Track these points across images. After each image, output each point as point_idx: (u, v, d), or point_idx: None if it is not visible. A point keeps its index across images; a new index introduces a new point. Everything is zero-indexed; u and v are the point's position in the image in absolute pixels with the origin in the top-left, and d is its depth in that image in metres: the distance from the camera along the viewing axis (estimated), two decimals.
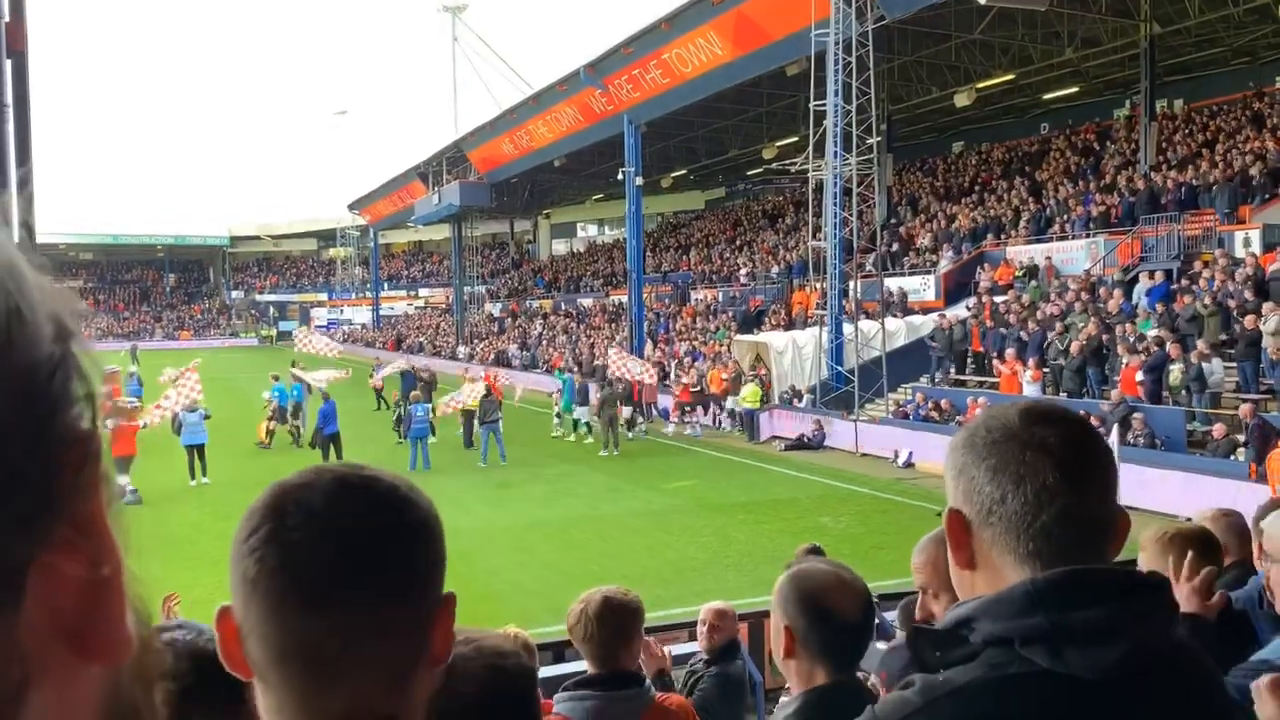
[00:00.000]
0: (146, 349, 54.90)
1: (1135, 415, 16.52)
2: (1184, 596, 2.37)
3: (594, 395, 24.67)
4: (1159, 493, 14.44)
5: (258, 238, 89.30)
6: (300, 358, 36.57)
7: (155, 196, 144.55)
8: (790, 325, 29.15)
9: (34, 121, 4.29)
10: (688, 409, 26.45)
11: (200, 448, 19.23)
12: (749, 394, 24.51)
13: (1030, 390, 19.84)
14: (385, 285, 78.71)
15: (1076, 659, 1.10)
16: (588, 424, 24.64)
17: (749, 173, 49.44)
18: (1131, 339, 18.67)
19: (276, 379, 25.06)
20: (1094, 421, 17.02)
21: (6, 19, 4.11)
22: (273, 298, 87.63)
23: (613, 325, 40.61)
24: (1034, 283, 23.93)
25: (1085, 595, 1.12)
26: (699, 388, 26.73)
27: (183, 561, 13.26)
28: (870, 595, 2.06)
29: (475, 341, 51.37)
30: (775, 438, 23.79)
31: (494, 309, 59.71)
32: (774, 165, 40.17)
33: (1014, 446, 1.16)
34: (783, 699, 2.15)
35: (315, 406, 22.53)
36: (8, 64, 4.15)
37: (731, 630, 4.76)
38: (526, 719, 1.70)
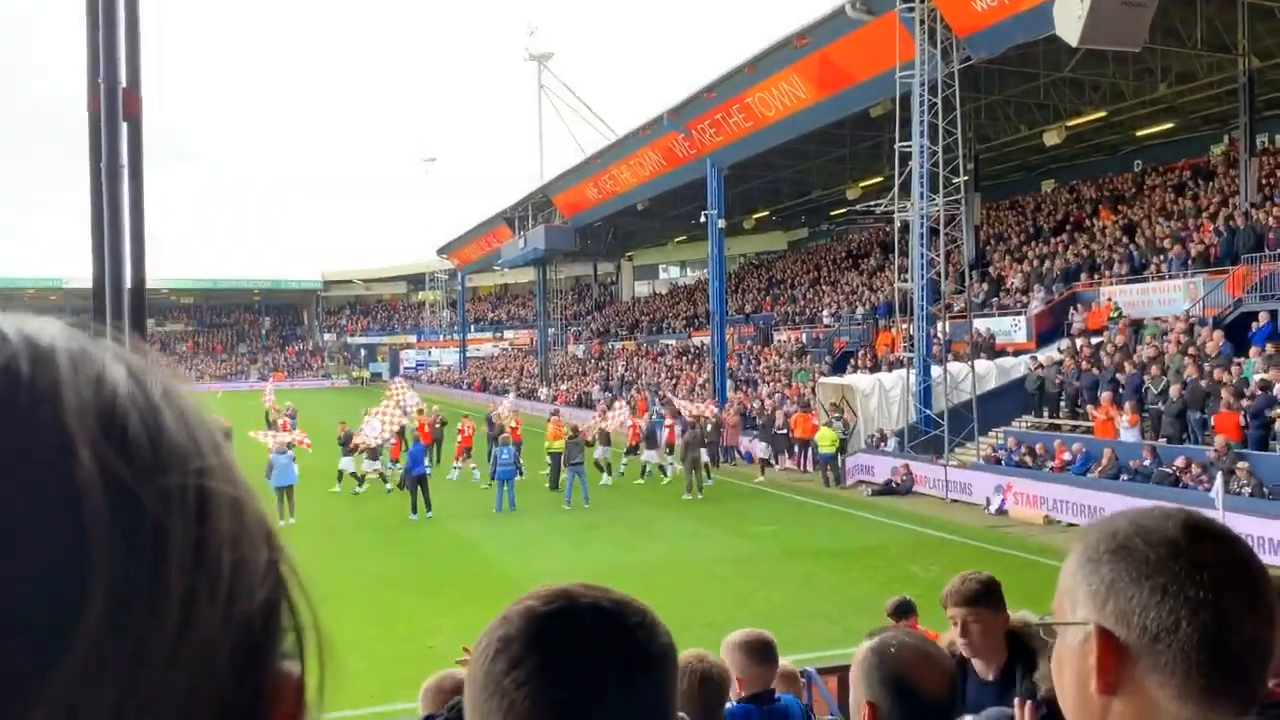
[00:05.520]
0: (233, 389, 56.40)
1: (1240, 464, 15.87)
2: None
3: (664, 438, 25.86)
4: (1267, 546, 13.84)
5: (350, 281, 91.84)
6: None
7: (253, 242, 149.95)
8: (876, 367, 28.77)
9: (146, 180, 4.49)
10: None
11: (290, 489, 19.51)
12: (826, 438, 24.07)
13: (1127, 436, 19.23)
14: (472, 327, 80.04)
15: None
16: (660, 465, 25.08)
17: (832, 213, 49.18)
18: (1234, 382, 17.98)
19: None
20: (1195, 469, 16.44)
21: (124, 85, 4.32)
22: (364, 340, 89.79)
23: (693, 366, 40.56)
24: (1153, 320, 23.00)
25: None
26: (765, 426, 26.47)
27: None
28: (955, 673, 2.01)
29: (558, 382, 51.78)
30: (861, 482, 23.41)
31: (577, 350, 60.23)
32: (858, 205, 39.86)
33: (1184, 565, 1.01)
34: None
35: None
36: (124, 128, 4.35)
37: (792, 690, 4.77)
38: None
